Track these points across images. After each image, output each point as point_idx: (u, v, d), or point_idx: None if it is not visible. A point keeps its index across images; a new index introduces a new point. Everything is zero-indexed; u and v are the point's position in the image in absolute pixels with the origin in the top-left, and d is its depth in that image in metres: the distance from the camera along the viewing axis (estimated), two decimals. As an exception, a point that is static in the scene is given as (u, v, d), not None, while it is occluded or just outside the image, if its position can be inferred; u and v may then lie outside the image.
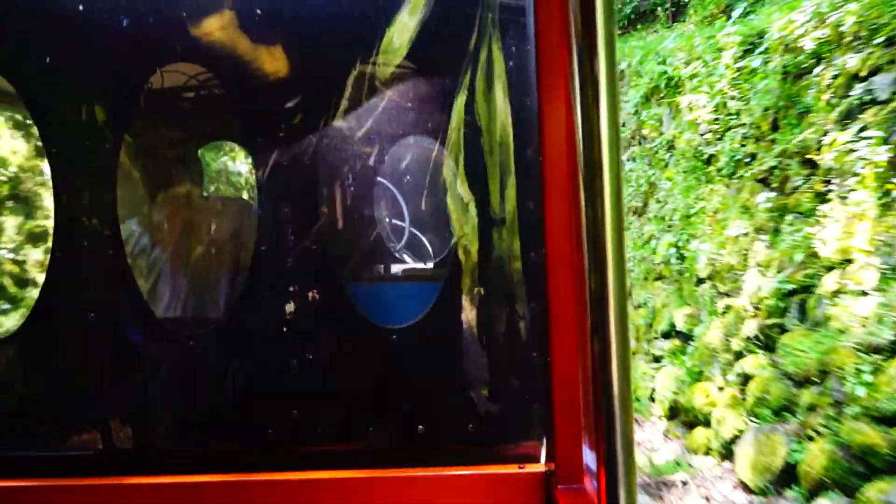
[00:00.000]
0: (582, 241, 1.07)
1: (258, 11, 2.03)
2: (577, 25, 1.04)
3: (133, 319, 2.18)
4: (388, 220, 4.08)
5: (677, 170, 8.29)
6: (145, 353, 2.17)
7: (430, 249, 4.24)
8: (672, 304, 7.53)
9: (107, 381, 2.14)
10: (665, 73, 9.11)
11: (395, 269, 3.69)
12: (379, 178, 3.69)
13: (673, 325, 7.35)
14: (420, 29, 2.02)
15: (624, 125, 11.30)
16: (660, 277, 8.13)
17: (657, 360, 7.57)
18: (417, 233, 4.21)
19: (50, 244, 2.37)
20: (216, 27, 2.02)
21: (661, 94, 9.32)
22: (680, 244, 7.59)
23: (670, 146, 8.90)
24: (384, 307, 2.63)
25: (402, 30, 2.02)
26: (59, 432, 2.09)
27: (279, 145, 2.05)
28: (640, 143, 10.26)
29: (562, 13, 1.29)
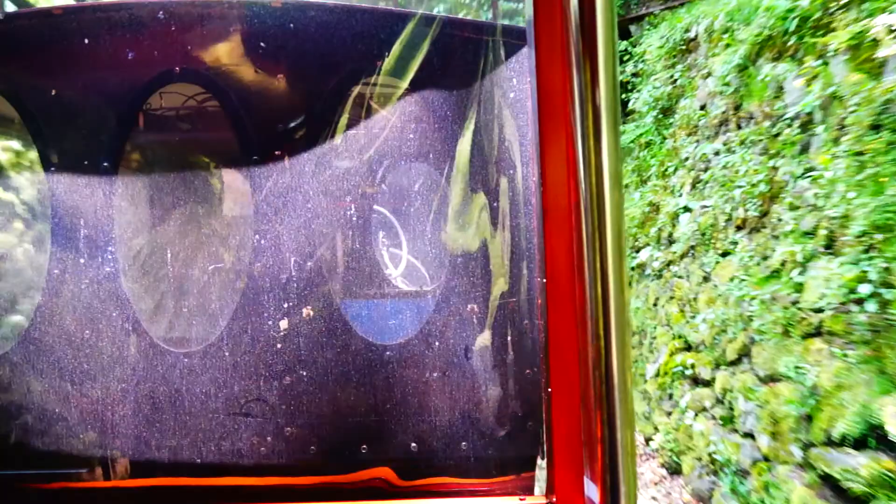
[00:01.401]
0: (584, 272, 1.07)
1: (261, 43, 2.03)
2: (578, 56, 1.01)
3: (128, 338, 2.13)
4: (385, 247, 3.93)
5: (837, 152, 4.99)
6: (139, 372, 2.12)
7: (428, 276, 3.81)
8: (864, 387, 4.14)
9: (99, 400, 2.07)
10: (792, 10, 5.88)
11: (390, 291, 3.52)
12: (376, 207, 3.52)
13: (875, 428, 3.95)
14: (422, 57, 2.01)
15: (704, 108, 8.06)
16: (818, 333, 4.76)
17: (840, 489, 4.14)
18: (415, 260, 3.94)
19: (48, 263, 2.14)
20: (221, 54, 2.03)
21: (783, 47, 6.08)
22: (873, 277, 4.23)
23: (807, 120, 5.62)
24: (378, 324, 2.52)
25: (404, 57, 1.99)
26: (49, 455, 2.03)
27: (277, 168, 2.09)
28: (739, 127, 6.99)
29: (562, 44, 1.25)
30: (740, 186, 6.35)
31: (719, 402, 6.01)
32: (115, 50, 2.02)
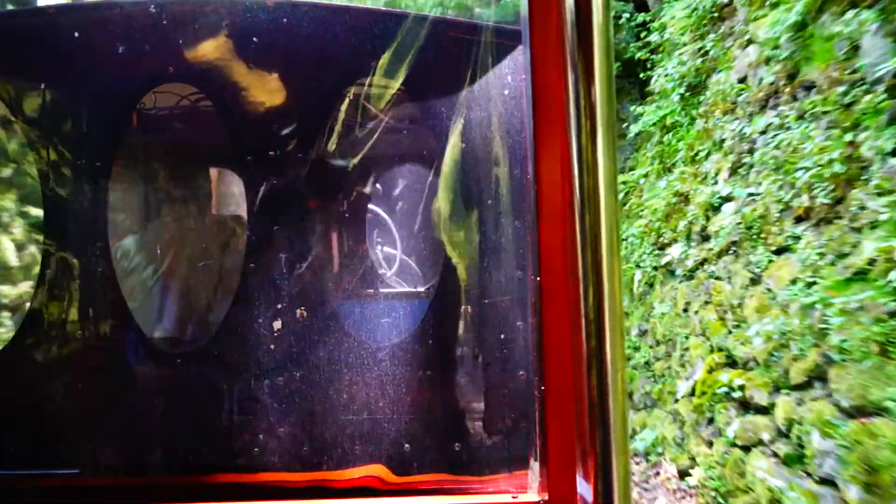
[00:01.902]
0: (577, 269, 1.05)
1: (254, 38, 2.01)
2: (574, 53, 1.02)
3: (122, 338, 2.15)
4: (379, 246, 3.89)
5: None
6: (133, 372, 2.13)
7: (422, 275, 3.95)
8: None
9: (93, 401, 2.08)
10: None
11: (385, 290, 3.60)
12: (370, 206, 3.51)
13: None
14: (416, 56, 1.99)
15: (744, 81, 6.90)
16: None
17: None
18: (409, 260, 4.00)
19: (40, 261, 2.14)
20: (211, 51, 2.01)
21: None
22: None
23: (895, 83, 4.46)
24: (371, 326, 2.53)
25: (398, 57, 1.98)
26: (42, 454, 2.03)
27: (272, 167, 2.07)
28: (794, 98, 5.83)
29: (558, 42, 1.22)
30: (804, 168, 5.18)
31: (782, 434, 4.84)
32: (108, 49, 2.01)
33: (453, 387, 2.08)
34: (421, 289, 3.78)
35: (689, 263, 6.85)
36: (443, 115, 2.02)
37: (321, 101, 2.10)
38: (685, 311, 7.13)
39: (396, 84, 2.03)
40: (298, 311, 2.07)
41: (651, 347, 7.86)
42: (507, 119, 1.96)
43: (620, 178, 10.17)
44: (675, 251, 6.77)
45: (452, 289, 2.08)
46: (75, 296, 2.10)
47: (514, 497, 1.79)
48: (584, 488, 1.22)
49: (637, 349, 8.38)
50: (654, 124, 8.74)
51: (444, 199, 2.08)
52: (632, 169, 10.33)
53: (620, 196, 9.78)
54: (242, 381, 2.05)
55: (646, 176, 9.32)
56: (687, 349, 6.81)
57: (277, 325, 2.05)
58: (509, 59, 1.96)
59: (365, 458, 2.00)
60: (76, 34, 1.99)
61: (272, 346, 2.04)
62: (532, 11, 1.52)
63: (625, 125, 10.55)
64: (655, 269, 8.29)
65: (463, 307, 2.07)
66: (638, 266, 8.99)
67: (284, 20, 2.01)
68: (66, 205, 2.10)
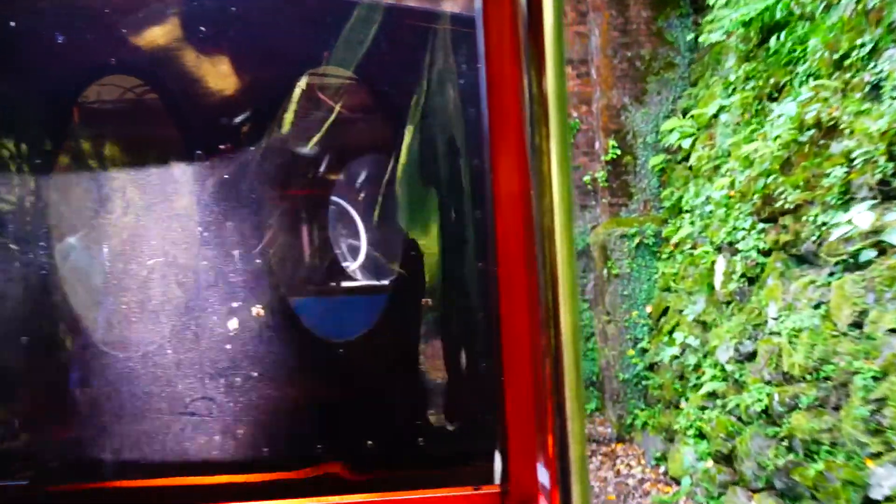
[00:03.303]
0: (534, 260, 1.08)
1: (202, 25, 2.01)
2: (526, 44, 1.04)
3: (68, 342, 2.13)
4: (343, 238, 3.64)
5: None
6: (81, 376, 2.12)
7: (386, 267, 3.58)
8: None
9: (39, 407, 2.09)
10: None
11: (345, 283, 3.49)
12: (333, 197, 3.38)
13: None
14: (370, 43, 2.01)
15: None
16: None
17: None
18: (374, 251, 3.65)
19: None
20: (158, 38, 1.99)
21: None
22: None
23: None
24: (330, 321, 2.57)
25: (351, 43, 2.01)
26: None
27: (222, 159, 2.07)
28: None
29: (512, 31, 1.24)
30: None
31: None
32: (47, 40, 1.92)
33: (413, 380, 2.05)
34: (380, 281, 3.54)
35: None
36: (399, 105, 2.00)
37: (273, 92, 2.01)
38: (857, 326, 3.94)
39: (350, 73, 1.99)
40: (255, 308, 1.99)
41: (777, 387, 4.66)
42: (462, 109, 1.96)
43: (675, 122, 6.99)
44: (861, 217, 3.57)
45: (411, 281, 2.06)
46: (16, 301, 1.98)
47: (476, 489, 1.83)
48: (544, 476, 1.23)
49: (736, 382, 5.19)
50: (745, 24, 5.51)
51: (402, 188, 2.03)
52: (686, 110, 7.15)
53: (687, 143, 6.61)
54: (196, 381, 1.96)
55: (724, 110, 6.11)
56: (884, 401, 3.62)
57: (233, 323, 1.99)
58: (465, 46, 1.94)
59: (323, 455, 1.96)
60: (10, 23, 1.90)
61: (227, 345, 1.97)
62: (486, 1, 1.52)
63: (675, 47, 7.36)
64: (764, 253, 5.10)
65: (422, 299, 2.04)
66: (719, 250, 5.81)
67: (233, 8, 1.95)
68: (5, 205, 1.99)
